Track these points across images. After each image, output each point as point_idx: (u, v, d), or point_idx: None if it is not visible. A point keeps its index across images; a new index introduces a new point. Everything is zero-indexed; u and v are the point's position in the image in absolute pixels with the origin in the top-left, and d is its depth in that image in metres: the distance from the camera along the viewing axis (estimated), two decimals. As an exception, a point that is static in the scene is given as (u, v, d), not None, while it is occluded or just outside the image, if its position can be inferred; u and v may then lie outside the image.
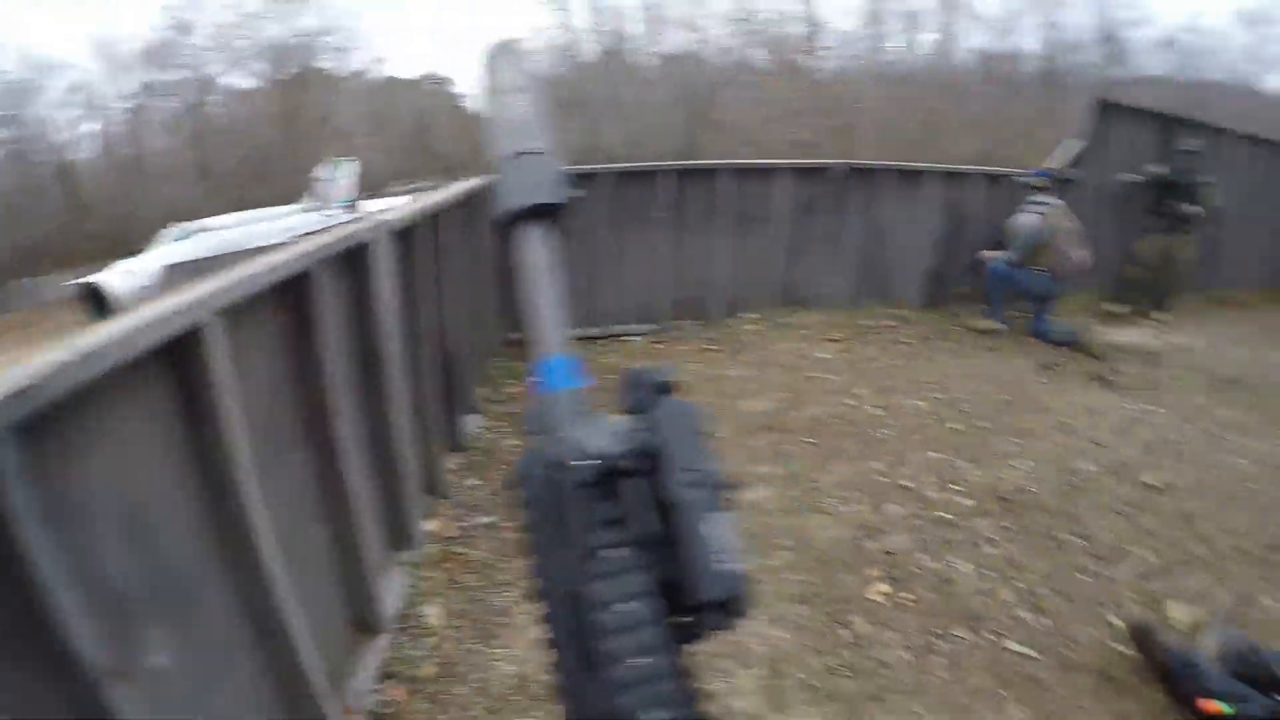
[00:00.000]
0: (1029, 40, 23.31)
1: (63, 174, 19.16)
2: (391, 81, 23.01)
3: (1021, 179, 5.76)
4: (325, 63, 21.14)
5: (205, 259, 10.42)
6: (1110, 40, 17.41)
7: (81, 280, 10.15)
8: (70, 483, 1.12)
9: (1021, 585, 2.73)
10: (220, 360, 1.47)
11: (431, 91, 24.37)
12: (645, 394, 0.41)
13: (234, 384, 1.51)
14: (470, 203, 4.50)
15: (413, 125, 21.40)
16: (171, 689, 1.28)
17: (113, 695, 1.04)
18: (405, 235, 2.89)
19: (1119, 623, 2.50)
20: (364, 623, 2.25)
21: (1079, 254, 5.38)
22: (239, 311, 1.60)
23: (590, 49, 20.14)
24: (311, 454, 2.03)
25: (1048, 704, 2.20)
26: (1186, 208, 6.09)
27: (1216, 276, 7.26)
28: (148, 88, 19.90)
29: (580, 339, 4.60)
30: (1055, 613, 2.59)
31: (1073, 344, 5.35)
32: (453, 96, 24.52)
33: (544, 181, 0.48)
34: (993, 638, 2.47)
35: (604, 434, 0.40)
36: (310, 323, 1.96)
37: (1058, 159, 6.41)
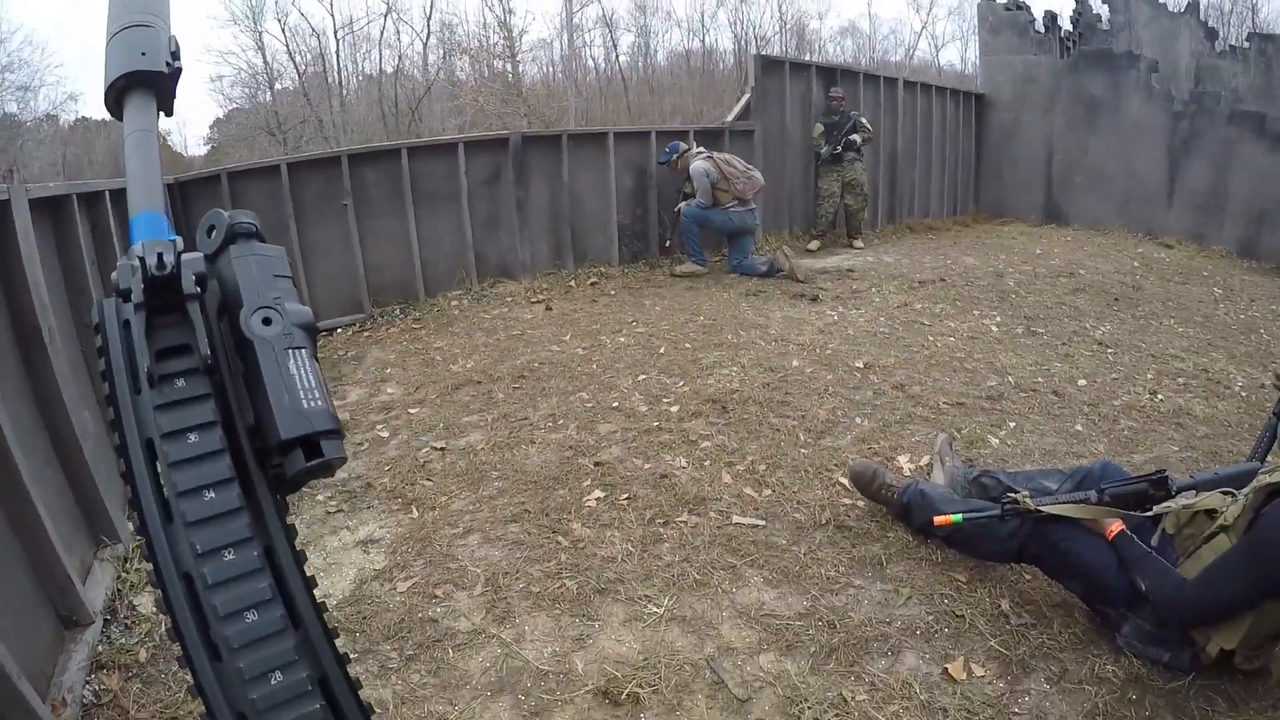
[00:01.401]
0: (722, 37, 25.86)
1: None
2: (84, 122, 19.89)
3: (659, 160, 6.41)
4: (10, 105, 17.76)
5: None
6: (797, 31, 19.63)
7: None
8: None
9: (741, 467, 2.79)
10: None
11: None
12: (220, 236, 0.38)
13: None
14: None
15: (111, 169, 18.78)
16: None
17: None
18: (54, 206, 2.63)
19: (847, 483, 2.57)
20: (69, 619, 2.02)
21: (752, 175, 6.04)
22: None
23: (289, 72, 19.05)
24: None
25: (785, 563, 2.23)
26: (849, 138, 7.22)
27: (901, 209, 8.87)
28: None
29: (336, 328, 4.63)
30: (778, 484, 2.66)
31: (775, 273, 5.81)
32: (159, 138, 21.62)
33: (147, 50, 0.46)
34: (718, 517, 2.50)
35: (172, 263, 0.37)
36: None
37: (734, 114, 7.32)
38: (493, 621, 2.11)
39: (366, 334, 5.32)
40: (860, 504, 2.52)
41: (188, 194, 5.03)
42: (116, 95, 0.46)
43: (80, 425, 2.39)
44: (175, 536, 0.34)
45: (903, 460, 2.83)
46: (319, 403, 0.34)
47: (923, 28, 22.57)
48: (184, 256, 0.36)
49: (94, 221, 3.02)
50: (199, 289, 0.36)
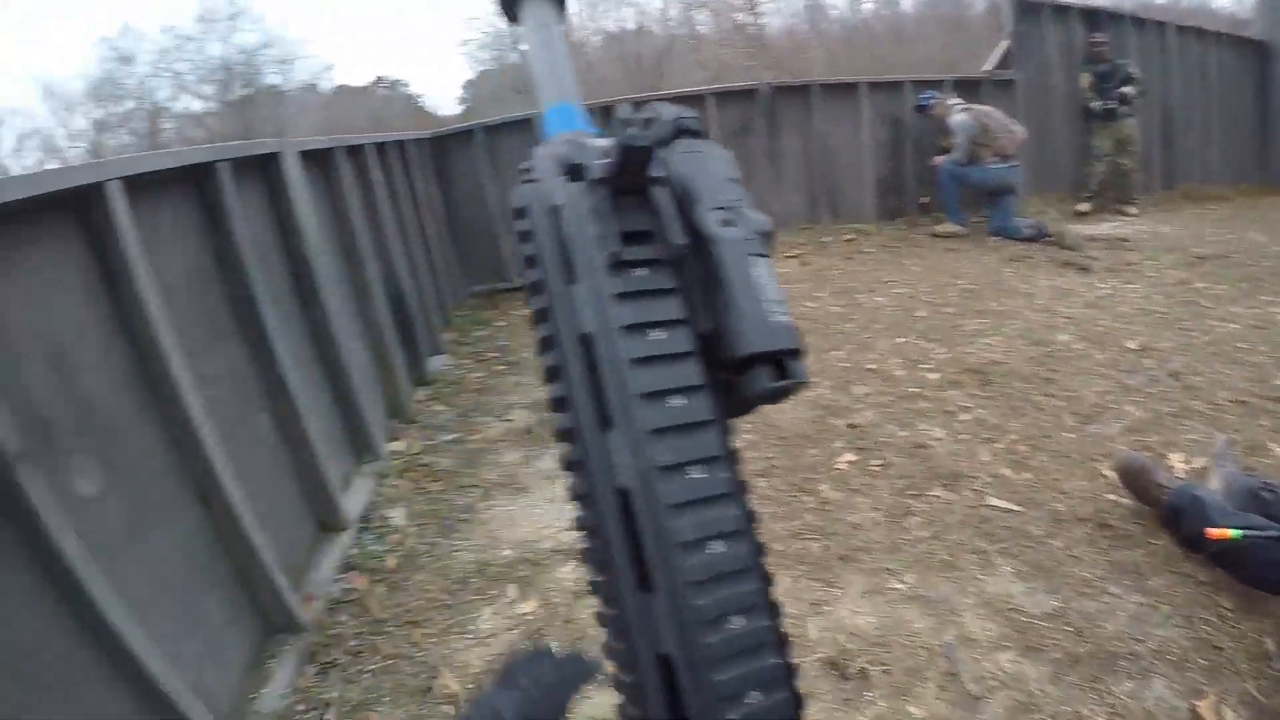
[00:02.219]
0: None
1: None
2: (343, 90, 22.87)
3: (917, 104, 5.91)
4: (273, 77, 20.98)
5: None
6: None
7: None
8: None
9: (1000, 446, 2.61)
10: (124, 221, 1.49)
11: (385, 95, 24.24)
12: (663, 130, 0.32)
13: (141, 249, 1.54)
14: (417, 156, 4.56)
15: (370, 130, 21.38)
16: (103, 523, 1.31)
17: (25, 477, 1.07)
18: (321, 159, 2.94)
19: (1113, 476, 2.32)
20: (326, 522, 2.29)
21: (1013, 130, 5.47)
22: (143, 185, 1.63)
23: None
24: (246, 349, 2.06)
25: (1038, 556, 2.06)
26: (1122, 91, 6.22)
27: (1176, 173, 7.46)
28: (99, 124, 19.67)
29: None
30: (1040, 468, 2.46)
31: (1041, 237, 5.33)
32: (408, 97, 24.43)
33: None
34: (973, 495, 2.33)
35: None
36: (223, 215, 1.98)
37: (992, 62, 6.53)
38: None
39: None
40: (1125, 501, 2.24)
41: (445, 148, 5.48)
42: None
43: (349, 354, 2.68)
44: (615, 445, 0.29)
45: (1175, 459, 2.47)
46: (784, 318, 0.29)
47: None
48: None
49: (359, 170, 3.35)
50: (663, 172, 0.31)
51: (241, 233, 2.03)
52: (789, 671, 0.29)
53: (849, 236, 5.85)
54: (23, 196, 1.23)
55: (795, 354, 0.29)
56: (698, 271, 0.30)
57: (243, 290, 2.04)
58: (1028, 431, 2.70)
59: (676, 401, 0.29)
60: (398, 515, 2.52)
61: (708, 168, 0.31)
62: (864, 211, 6.14)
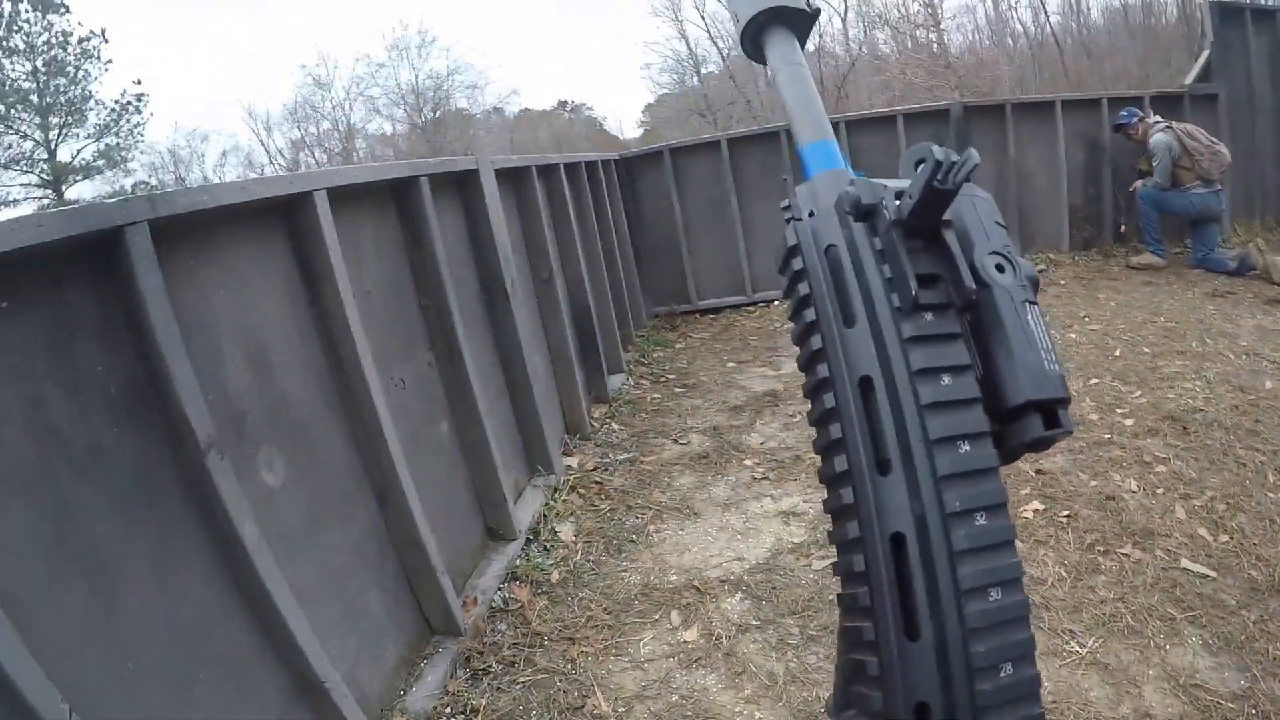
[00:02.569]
0: None
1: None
2: (527, 113, 24.40)
3: (1115, 122, 5.29)
4: (461, 101, 22.81)
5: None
6: None
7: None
8: (199, 301, 1.28)
9: (1198, 503, 2.38)
10: (328, 229, 1.59)
11: (568, 118, 25.58)
12: (964, 174, 0.31)
13: (342, 257, 1.63)
14: (605, 177, 4.67)
15: (553, 151, 22.63)
16: (282, 514, 1.38)
17: (214, 464, 1.13)
18: (515, 177, 3.05)
19: None
20: (495, 530, 2.33)
21: (1218, 151, 4.82)
22: (346, 196, 1.74)
23: (713, 56, 20.38)
24: (436, 357, 2.14)
25: (1230, 629, 1.89)
26: None
27: None
28: (296, 144, 22.29)
29: (728, 308, 4.94)
30: (1238, 530, 2.24)
31: (1246, 271, 4.78)
32: (591, 120, 25.64)
33: None
34: (1165, 556, 2.16)
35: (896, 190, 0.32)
36: (420, 227, 2.08)
37: (1192, 75, 5.75)
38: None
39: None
40: None
41: (633, 169, 5.59)
42: (754, 34, 0.45)
43: (532, 368, 2.74)
44: (890, 490, 0.30)
45: None
46: (1057, 367, 0.30)
47: None
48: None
49: (550, 189, 3.46)
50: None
51: (438, 245, 2.12)
52: None
53: (1040, 267, 5.37)
54: (235, 202, 1.33)
55: (1065, 403, 0.29)
56: (972, 319, 0.30)
57: (436, 300, 2.13)
58: (1228, 489, 2.46)
59: (965, 448, 0.28)
60: (566, 530, 2.52)
61: (979, 211, 0.32)
62: (1057, 239, 5.61)
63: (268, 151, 22.32)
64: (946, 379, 0.29)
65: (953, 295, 0.30)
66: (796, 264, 0.33)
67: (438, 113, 21.71)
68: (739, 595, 2.17)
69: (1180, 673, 1.76)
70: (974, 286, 0.30)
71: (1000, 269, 0.30)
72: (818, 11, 0.45)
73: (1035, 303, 0.31)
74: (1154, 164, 4.96)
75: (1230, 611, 1.93)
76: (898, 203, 0.30)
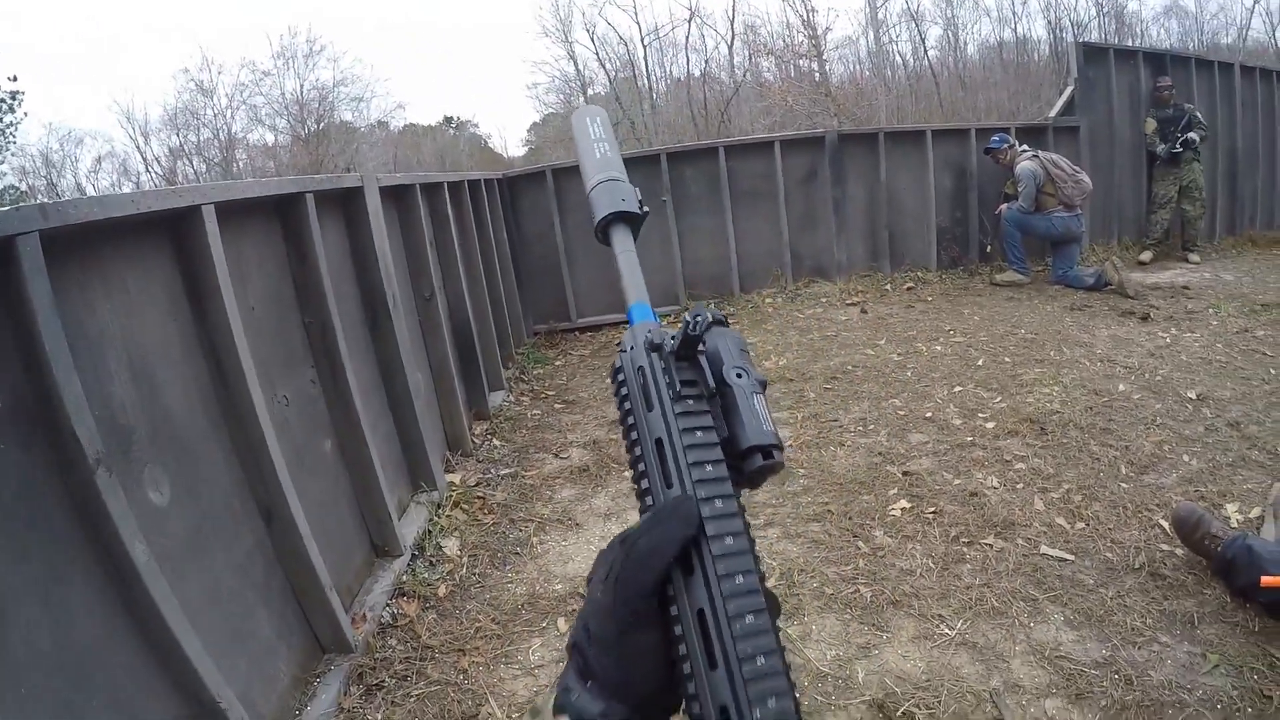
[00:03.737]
0: (1036, 25, 23.66)
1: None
2: (412, 127, 23.84)
3: (986, 146, 5.83)
4: (345, 114, 22.04)
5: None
6: (1114, 15, 17.35)
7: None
8: (86, 314, 1.25)
9: (1055, 495, 2.60)
10: (215, 244, 1.57)
11: (453, 134, 25.20)
12: (706, 324, 0.51)
13: (228, 273, 1.61)
14: (487, 195, 4.69)
15: (437, 169, 22.09)
16: (170, 533, 1.36)
17: (103, 482, 1.11)
18: (399, 195, 3.05)
19: (1167, 526, 2.33)
20: (381, 547, 2.32)
21: (1080, 179, 5.37)
22: (233, 211, 1.72)
23: (600, 78, 20.68)
24: (319, 374, 2.12)
25: (1090, 605, 2.07)
26: (1187, 136, 6.04)
27: (1242, 218, 7.17)
28: (174, 151, 20.84)
29: (608, 325, 5.11)
30: (1094, 518, 2.45)
31: (1102, 286, 5.24)
32: (476, 138, 25.36)
33: (625, 197, 0.64)
34: (1025, 544, 2.35)
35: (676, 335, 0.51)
36: (305, 243, 2.06)
37: (1056, 109, 6.45)
38: (781, 616, 2.05)
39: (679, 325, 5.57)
40: (1179, 551, 2.25)
41: (515, 188, 5.64)
42: (604, 227, 0.63)
43: (414, 385, 2.74)
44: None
45: (1231, 509, 2.47)
46: (771, 427, 0.47)
47: (1255, 2, 17.85)
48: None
49: (433, 207, 3.46)
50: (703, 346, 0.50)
51: (321, 261, 2.11)
52: (793, 686, 0.39)
53: (909, 285, 5.81)
54: (125, 214, 1.30)
55: (779, 448, 0.46)
56: (722, 403, 0.48)
57: (319, 317, 2.11)
58: (1083, 481, 2.68)
59: (709, 469, 0.45)
60: (451, 545, 2.53)
61: (728, 342, 0.50)
62: (925, 259, 6.08)
63: (144, 159, 20.68)
64: (699, 434, 0.46)
65: (704, 390, 0.48)
66: (620, 377, 0.51)
67: (321, 124, 20.75)
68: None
69: (1045, 646, 1.92)
70: (714, 385, 0.48)
71: (739, 375, 0.48)
72: (647, 212, 0.64)
73: (761, 393, 0.48)
74: (1019, 189, 5.42)
75: (1089, 590, 2.12)
76: (674, 341, 0.49)
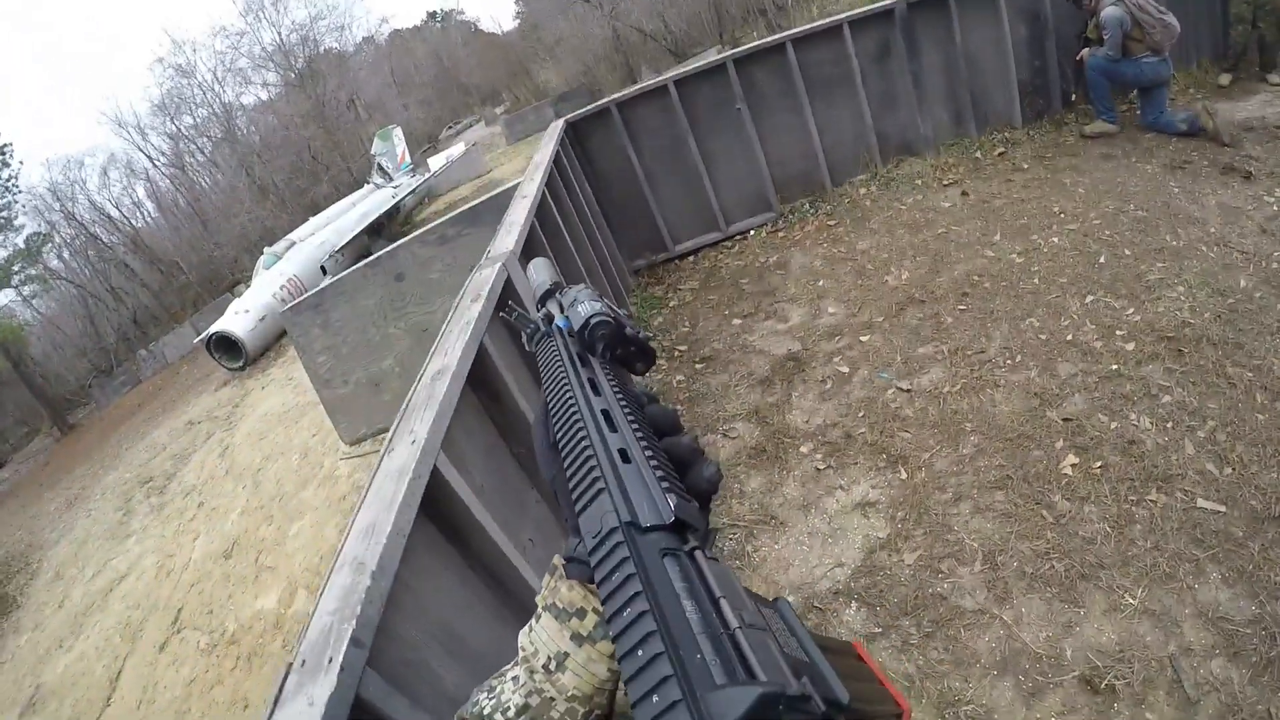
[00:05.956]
0: None
1: (135, 245, 20.08)
2: (399, 34, 22.50)
3: None
4: (331, 43, 20.96)
5: (305, 271, 11.10)
6: None
7: (207, 333, 10.90)
8: None
9: (1202, 435, 2.60)
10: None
11: (440, 28, 23.61)
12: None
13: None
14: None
15: (435, 68, 21.13)
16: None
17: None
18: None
19: None
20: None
21: (1168, 23, 4.97)
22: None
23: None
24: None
25: (1240, 560, 2.14)
26: None
27: None
28: (174, 137, 20.37)
29: (706, 247, 5.17)
30: (1239, 461, 2.46)
31: (1196, 131, 4.96)
32: (465, 25, 23.73)
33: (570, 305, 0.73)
34: (1183, 498, 2.40)
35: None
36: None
37: None
38: (993, 601, 2.29)
39: (781, 234, 5.47)
40: None
41: (580, 132, 5.47)
42: (541, 299, 0.78)
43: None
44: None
45: None
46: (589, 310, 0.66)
47: None
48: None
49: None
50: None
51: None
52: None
53: (1000, 150, 5.54)
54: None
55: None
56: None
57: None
58: (1225, 415, 2.66)
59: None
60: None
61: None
62: (1010, 116, 5.78)
63: (148, 156, 20.37)
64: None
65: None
66: (538, 354, 0.70)
67: (311, 62, 19.87)
68: (854, 604, 2.38)
69: (1209, 608, 2.06)
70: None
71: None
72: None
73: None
74: (1105, 36, 5.06)
75: (1239, 544, 2.19)
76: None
